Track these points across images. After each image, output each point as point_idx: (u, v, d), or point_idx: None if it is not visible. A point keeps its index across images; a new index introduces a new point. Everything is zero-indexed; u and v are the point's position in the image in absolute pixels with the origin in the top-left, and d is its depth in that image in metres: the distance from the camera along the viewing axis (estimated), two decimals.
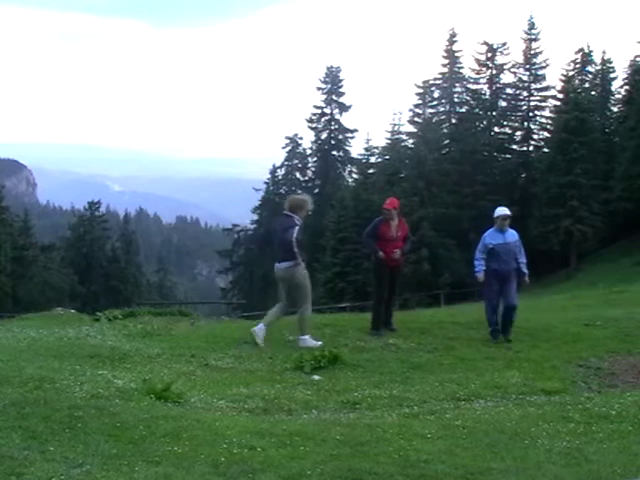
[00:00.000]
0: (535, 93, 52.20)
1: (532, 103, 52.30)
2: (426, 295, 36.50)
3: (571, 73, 51.61)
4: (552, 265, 41.55)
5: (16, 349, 7.94)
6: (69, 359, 7.50)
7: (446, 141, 52.82)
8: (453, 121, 53.61)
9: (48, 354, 7.70)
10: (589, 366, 8.24)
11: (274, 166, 63.63)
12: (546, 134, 51.62)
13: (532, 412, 6.00)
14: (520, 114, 52.86)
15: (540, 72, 51.65)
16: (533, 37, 51.37)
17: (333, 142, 61.89)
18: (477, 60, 52.38)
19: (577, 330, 10.06)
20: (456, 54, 53.39)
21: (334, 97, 61.16)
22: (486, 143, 51.10)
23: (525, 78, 52.03)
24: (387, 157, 52.71)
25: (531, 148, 52.92)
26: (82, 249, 64.62)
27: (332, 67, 61.64)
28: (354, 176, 59.34)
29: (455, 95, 53.95)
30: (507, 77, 52.74)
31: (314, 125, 61.36)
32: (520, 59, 51.73)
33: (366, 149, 56.93)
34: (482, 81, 53.08)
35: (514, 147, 53.72)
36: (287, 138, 62.82)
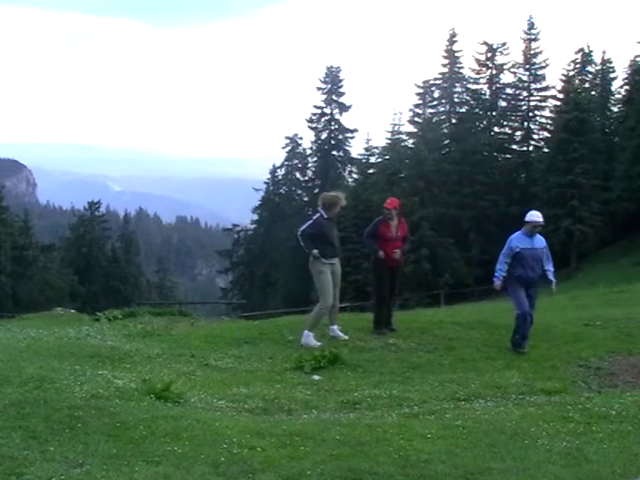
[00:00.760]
0: (535, 93, 52.17)
1: (532, 103, 52.26)
2: (426, 295, 36.50)
3: (571, 73, 51.55)
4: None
5: (16, 349, 7.94)
6: (69, 359, 7.50)
7: (446, 141, 52.80)
8: (453, 121, 53.57)
9: (48, 354, 7.70)
10: (589, 366, 8.24)
11: (274, 166, 63.60)
12: (546, 134, 51.58)
13: (532, 412, 6.00)
14: (520, 114, 52.82)
15: (540, 72, 51.62)
16: (533, 37, 51.35)
17: (333, 142, 61.85)
18: (477, 60, 52.37)
19: (577, 330, 10.05)
20: (456, 54, 53.37)
21: (334, 97, 61.12)
22: (486, 143, 51.08)
23: (525, 78, 51.99)
24: (387, 157, 52.65)
25: (531, 148, 52.88)
26: (82, 249, 64.60)
27: (332, 67, 61.61)
28: (354, 176, 59.34)
29: (455, 95, 53.92)
30: (507, 77, 52.80)
31: (314, 125, 61.32)
32: (520, 59, 51.74)
33: (366, 149, 56.96)
34: (482, 81, 53.07)
35: (514, 147, 53.68)
36: (287, 138, 62.79)
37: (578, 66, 52.52)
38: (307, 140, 62.24)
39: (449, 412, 6.06)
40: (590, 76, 53.30)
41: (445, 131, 53.52)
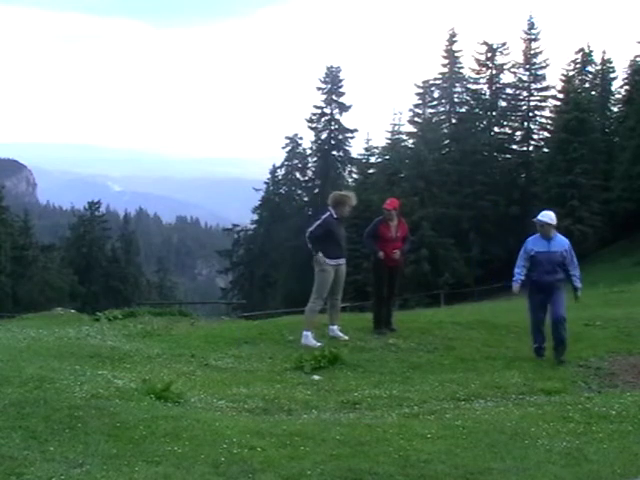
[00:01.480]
0: (535, 93, 52.15)
1: (532, 103, 52.25)
2: (426, 295, 36.47)
3: (571, 73, 51.56)
4: None
5: (16, 349, 7.94)
6: (69, 359, 7.50)
7: (446, 141, 52.79)
8: (453, 121, 53.57)
9: (48, 354, 7.70)
10: (589, 366, 8.24)
11: (274, 166, 63.57)
12: (546, 134, 51.58)
13: (532, 412, 6.00)
14: (520, 114, 52.82)
15: (540, 72, 51.60)
16: (533, 37, 51.35)
17: (333, 142, 61.81)
18: (477, 60, 52.36)
19: (577, 330, 10.04)
20: (456, 54, 53.36)
21: (334, 97, 61.08)
22: (486, 143, 51.08)
23: (525, 78, 51.99)
24: (387, 157, 52.63)
25: (531, 148, 52.87)
26: (82, 249, 64.61)
27: (332, 67, 61.56)
28: (354, 176, 59.28)
29: (455, 95, 53.92)
30: (507, 77, 52.78)
31: (314, 125, 61.28)
32: (520, 59, 51.74)
33: (366, 149, 56.92)
34: (482, 81, 53.05)
35: (514, 147, 53.67)
36: (287, 138, 62.75)
37: (578, 66, 52.53)
38: (307, 140, 62.26)
39: (449, 412, 6.06)
40: (590, 76, 53.32)
41: (445, 131, 53.51)
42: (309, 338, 9.05)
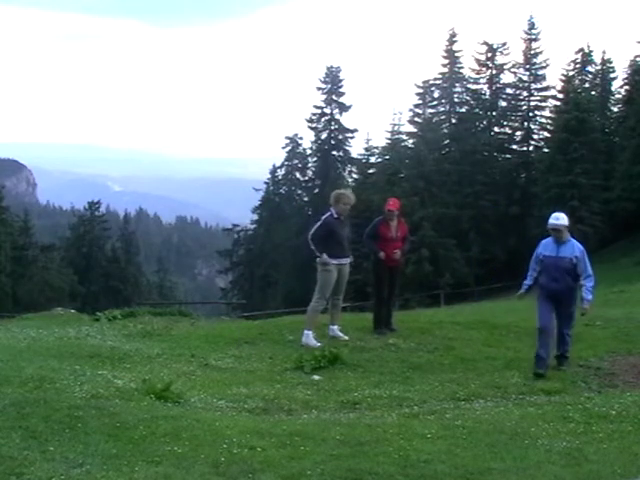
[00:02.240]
0: (535, 93, 52.12)
1: (532, 103, 52.21)
2: (426, 295, 36.47)
3: (571, 73, 51.57)
4: None
5: (16, 349, 7.94)
6: (69, 359, 7.51)
7: (446, 141, 52.75)
8: (453, 121, 53.52)
9: (48, 354, 7.71)
10: (589, 366, 8.24)
11: (274, 166, 63.57)
12: (546, 134, 51.54)
13: (532, 412, 6.00)
14: (520, 114, 52.79)
15: (540, 72, 51.56)
16: (533, 37, 51.31)
17: (333, 142, 61.79)
18: (477, 60, 52.33)
19: (577, 330, 10.01)
20: (456, 54, 53.32)
21: (334, 97, 61.07)
22: (486, 143, 51.05)
23: (525, 78, 51.95)
24: (387, 157, 52.61)
25: (531, 148, 52.82)
26: (82, 249, 64.67)
27: (332, 67, 61.54)
28: (354, 176, 59.26)
29: (455, 95, 53.88)
30: (507, 77, 52.71)
31: (314, 125, 61.27)
32: (520, 59, 51.67)
33: (366, 149, 56.93)
34: (482, 81, 52.99)
35: (514, 147, 53.63)
36: (287, 138, 62.75)
37: (578, 66, 52.54)
38: (307, 140, 62.25)
39: (449, 412, 6.06)
40: (590, 76, 53.32)
41: (445, 131, 53.47)
42: (310, 337, 9.07)
